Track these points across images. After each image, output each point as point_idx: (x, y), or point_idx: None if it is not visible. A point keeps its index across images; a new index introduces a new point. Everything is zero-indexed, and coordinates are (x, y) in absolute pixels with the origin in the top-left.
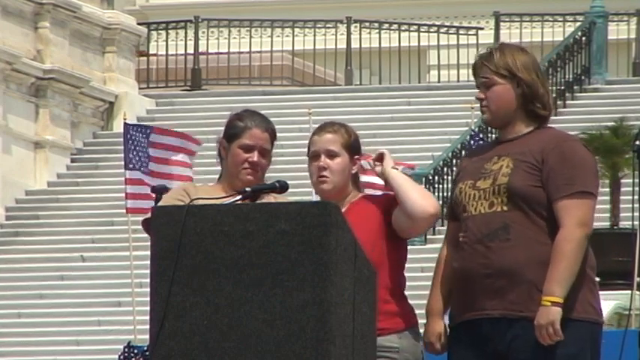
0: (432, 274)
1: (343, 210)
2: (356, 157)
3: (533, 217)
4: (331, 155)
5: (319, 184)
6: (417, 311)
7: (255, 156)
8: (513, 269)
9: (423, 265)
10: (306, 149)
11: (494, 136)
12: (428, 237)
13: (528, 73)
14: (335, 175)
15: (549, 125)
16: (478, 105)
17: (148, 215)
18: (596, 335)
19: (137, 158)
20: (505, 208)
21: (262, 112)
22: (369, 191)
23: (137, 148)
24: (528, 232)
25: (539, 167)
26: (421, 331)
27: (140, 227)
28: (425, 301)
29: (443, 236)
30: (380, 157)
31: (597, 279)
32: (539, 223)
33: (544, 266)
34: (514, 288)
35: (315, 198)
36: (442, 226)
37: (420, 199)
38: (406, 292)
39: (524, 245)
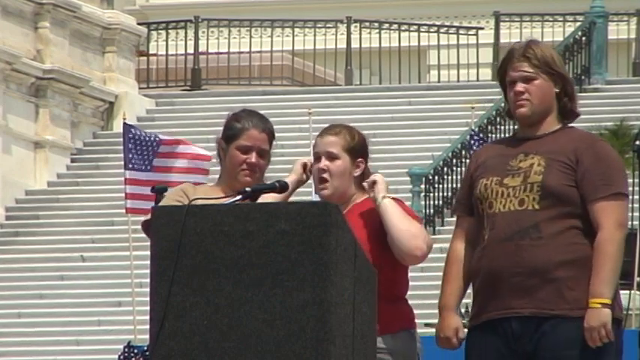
0: (432, 273)
1: (346, 210)
2: (359, 159)
3: (564, 216)
4: (331, 158)
5: (320, 190)
6: (421, 311)
7: (253, 157)
8: (544, 268)
9: (422, 266)
10: (306, 149)
11: (494, 136)
12: None
13: (563, 69)
14: (335, 179)
15: (571, 125)
16: (478, 105)
17: (148, 217)
18: (620, 332)
19: (137, 157)
20: (537, 206)
21: (262, 112)
22: None
23: (138, 148)
24: (560, 231)
25: (574, 167)
26: (421, 330)
27: (140, 227)
28: (426, 301)
29: (443, 236)
30: (372, 184)
31: None
32: (571, 222)
33: (575, 265)
34: (544, 286)
35: (315, 198)
36: (442, 225)
37: (408, 240)
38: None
39: (556, 244)
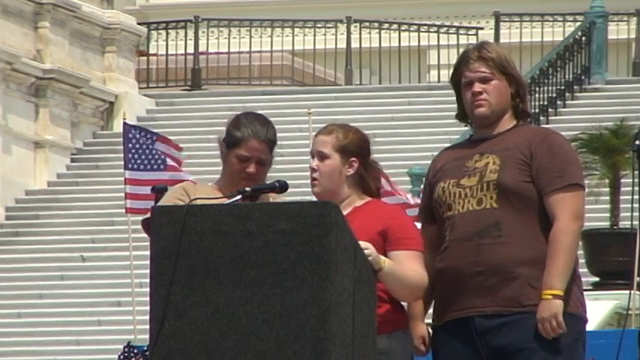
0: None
1: (346, 213)
2: (352, 159)
3: (524, 212)
4: (322, 157)
5: (311, 187)
6: None
7: (252, 167)
8: (506, 266)
9: None
10: (305, 149)
11: None
12: None
13: (517, 71)
14: (323, 178)
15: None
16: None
17: (148, 215)
18: (584, 330)
19: (137, 157)
20: (495, 204)
21: (262, 112)
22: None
23: (137, 147)
24: (520, 228)
25: (528, 162)
26: None
27: (140, 227)
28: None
29: None
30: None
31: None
32: (531, 218)
33: (536, 262)
34: (507, 285)
35: (314, 198)
36: None
37: (406, 296)
38: None
39: (517, 242)
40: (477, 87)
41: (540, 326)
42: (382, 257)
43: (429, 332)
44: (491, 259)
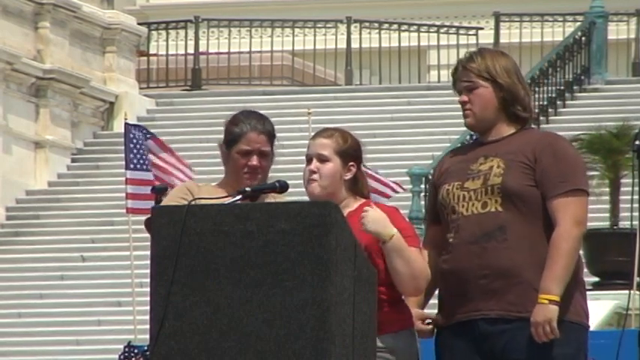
0: None
1: None
2: (350, 163)
3: (528, 216)
4: (322, 160)
5: (309, 186)
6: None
7: (254, 160)
8: (511, 270)
9: None
10: (305, 149)
11: None
12: None
13: (509, 76)
14: (324, 180)
15: (532, 126)
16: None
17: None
18: (586, 339)
19: (138, 157)
20: (500, 208)
21: (262, 112)
22: (373, 197)
23: (138, 147)
24: (525, 232)
25: (532, 166)
26: None
27: (140, 227)
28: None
29: None
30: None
31: (597, 279)
32: (535, 222)
33: (541, 266)
34: (511, 288)
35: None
36: None
37: (409, 282)
38: None
39: (522, 245)
40: (462, 97)
41: (533, 330)
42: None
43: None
44: (496, 263)
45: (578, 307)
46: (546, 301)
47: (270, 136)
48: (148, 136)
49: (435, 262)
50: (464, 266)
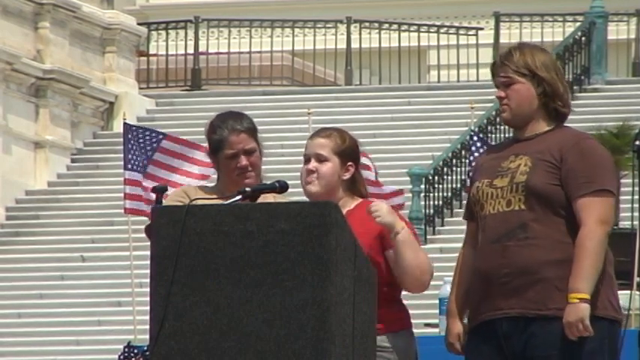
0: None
1: None
2: (349, 163)
3: (551, 215)
4: (320, 160)
5: (307, 186)
6: (421, 311)
7: (242, 160)
8: (531, 268)
9: None
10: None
11: (494, 136)
12: (428, 237)
13: (548, 72)
14: (322, 179)
15: (566, 125)
16: (478, 105)
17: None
18: (614, 332)
19: (136, 158)
20: (523, 206)
21: (262, 112)
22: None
23: (136, 149)
24: (546, 231)
25: (558, 166)
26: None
27: (140, 227)
28: (425, 301)
29: (443, 236)
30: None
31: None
32: (558, 221)
33: (562, 265)
34: (532, 287)
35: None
36: (442, 226)
37: (416, 278)
38: (407, 294)
39: (543, 244)
40: (500, 92)
41: (567, 330)
42: (400, 222)
43: (465, 331)
44: (517, 261)
45: (603, 300)
46: (577, 300)
47: (251, 131)
48: (161, 137)
49: (472, 262)
50: (487, 265)
